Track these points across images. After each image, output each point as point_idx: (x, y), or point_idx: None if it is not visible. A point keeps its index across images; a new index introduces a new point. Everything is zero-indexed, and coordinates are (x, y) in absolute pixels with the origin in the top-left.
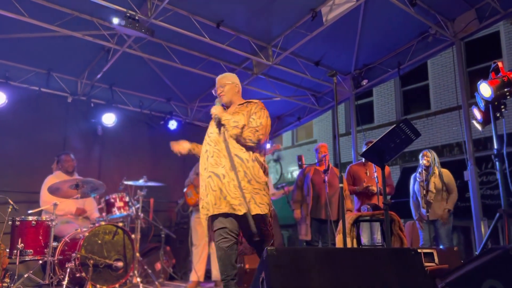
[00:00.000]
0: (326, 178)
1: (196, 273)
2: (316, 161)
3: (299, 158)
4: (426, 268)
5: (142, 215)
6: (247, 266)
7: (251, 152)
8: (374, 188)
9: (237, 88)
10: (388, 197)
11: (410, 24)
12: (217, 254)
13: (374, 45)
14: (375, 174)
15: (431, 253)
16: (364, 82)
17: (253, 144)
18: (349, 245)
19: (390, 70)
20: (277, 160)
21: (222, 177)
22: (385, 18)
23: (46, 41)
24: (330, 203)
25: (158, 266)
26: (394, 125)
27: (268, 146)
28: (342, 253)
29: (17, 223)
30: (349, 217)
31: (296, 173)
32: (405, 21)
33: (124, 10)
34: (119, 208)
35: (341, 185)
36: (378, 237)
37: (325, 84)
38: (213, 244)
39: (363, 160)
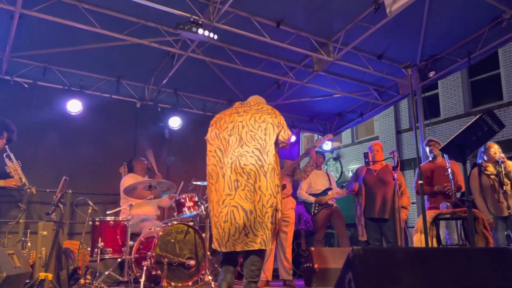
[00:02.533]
0: (396, 175)
1: (264, 273)
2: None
3: (366, 155)
4: None
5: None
6: (316, 266)
7: None
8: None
9: None
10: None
11: (481, 9)
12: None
13: (441, 35)
14: (449, 171)
15: None
16: (431, 74)
17: None
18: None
19: (459, 60)
20: (336, 158)
21: None
22: (453, 5)
23: (115, 50)
24: (385, 201)
25: None
26: (476, 117)
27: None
28: (433, 253)
29: (96, 223)
30: (428, 215)
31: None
32: (476, 6)
33: (188, 15)
34: (189, 208)
35: (420, 182)
36: (455, 236)
37: (388, 78)
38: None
39: (430, 158)
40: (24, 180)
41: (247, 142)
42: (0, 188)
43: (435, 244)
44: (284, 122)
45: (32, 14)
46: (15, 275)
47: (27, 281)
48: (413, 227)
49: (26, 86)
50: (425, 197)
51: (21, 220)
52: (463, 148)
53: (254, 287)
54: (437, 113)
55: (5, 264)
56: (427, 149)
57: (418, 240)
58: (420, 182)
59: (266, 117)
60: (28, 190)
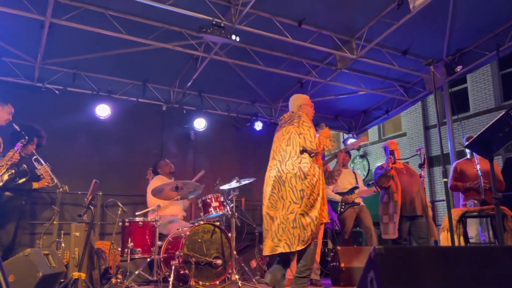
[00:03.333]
0: (423, 173)
1: (292, 271)
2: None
3: (391, 153)
4: None
5: (236, 214)
6: (342, 265)
7: None
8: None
9: None
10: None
11: (510, 0)
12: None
13: (468, 28)
14: (478, 167)
15: None
16: (458, 68)
17: None
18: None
19: (488, 53)
20: (363, 156)
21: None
22: None
23: (141, 55)
24: (418, 197)
25: (253, 263)
26: (503, 112)
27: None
28: (458, 252)
29: (126, 224)
30: (455, 213)
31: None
32: None
33: (210, 18)
34: (215, 208)
35: (445, 180)
36: (486, 234)
37: (414, 74)
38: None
39: (468, 156)
40: (55, 180)
41: (275, 156)
42: (34, 190)
43: (462, 243)
44: (308, 130)
45: (61, 23)
46: (50, 274)
47: (62, 280)
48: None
49: (57, 92)
50: (460, 194)
51: (54, 222)
52: (489, 144)
53: (298, 280)
54: (466, 107)
55: (41, 264)
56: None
57: (444, 238)
58: (444, 180)
59: (291, 128)
60: (62, 189)
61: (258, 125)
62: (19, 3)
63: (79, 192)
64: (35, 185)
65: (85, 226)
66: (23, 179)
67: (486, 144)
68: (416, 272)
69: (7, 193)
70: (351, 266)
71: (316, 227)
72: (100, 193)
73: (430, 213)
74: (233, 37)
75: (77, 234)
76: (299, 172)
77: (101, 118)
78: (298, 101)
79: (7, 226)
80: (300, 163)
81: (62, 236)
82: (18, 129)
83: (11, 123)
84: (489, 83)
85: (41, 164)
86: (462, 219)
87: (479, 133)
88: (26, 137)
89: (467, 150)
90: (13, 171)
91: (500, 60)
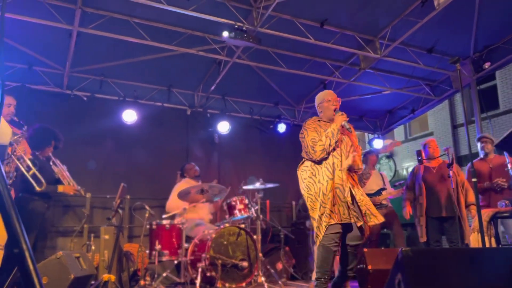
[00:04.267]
0: (451, 173)
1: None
2: (423, 157)
3: (419, 153)
4: None
5: (261, 216)
6: (370, 267)
7: None
8: (505, 183)
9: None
10: None
11: None
12: (323, 255)
13: (495, 24)
14: (509, 166)
15: None
16: (487, 65)
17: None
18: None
19: None
20: (390, 157)
21: (343, 191)
22: None
23: (165, 61)
24: (450, 198)
25: (279, 266)
26: None
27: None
28: (486, 254)
29: (153, 226)
30: (485, 214)
31: (411, 169)
32: None
33: (232, 22)
34: (240, 210)
35: (474, 179)
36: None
37: (440, 72)
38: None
39: (482, 155)
40: (72, 182)
41: None
42: (59, 194)
43: (493, 244)
44: (305, 131)
45: (88, 31)
46: (81, 276)
47: (93, 282)
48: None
49: (85, 99)
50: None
51: (85, 225)
52: None
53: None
54: (495, 105)
55: (73, 266)
56: (479, 145)
57: (475, 240)
58: (473, 180)
59: None
60: (80, 192)
61: (282, 127)
62: (48, 14)
63: (108, 196)
64: (60, 188)
65: (114, 229)
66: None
67: None
68: (444, 274)
69: (30, 196)
70: (379, 268)
71: (321, 228)
72: (128, 197)
73: (464, 214)
74: (256, 40)
75: (107, 237)
76: (300, 175)
77: (127, 123)
78: (317, 101)
79: (29, 230)
80: (300, 167)
81: (92, 239)
82: (17, 120)
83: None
84: None
85: (57, 167)
86: (493, 220)
87: (510, 131)
88: (25, 126)
89: (480, 150)
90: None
91: None
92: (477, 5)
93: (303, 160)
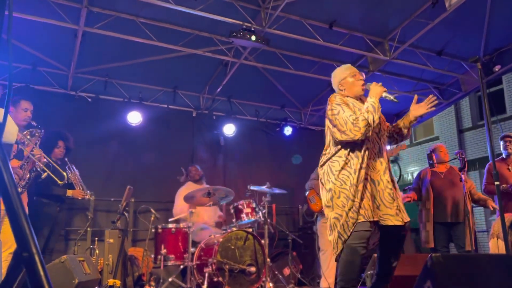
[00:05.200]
0: (463, 177)
1: (327, 280)
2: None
3: (430, 157)
4: None
5: (269, 220)
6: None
7: None
8: None
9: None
10: None
11: None
12: (350, 258)
13: (507, 26)
14: None
15: None
16: (497, 68)
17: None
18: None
19: None
20: (394, 161)
21: (377, 183)
22: None
23: (171, 62)
24: (457, 203)
25: (286, 271)
26: None
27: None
28: None
29: (159, 230)
30: (505, 218)
31: (417, 173)
32: None
33: (240, 23)
34: (247, 214)
35: (497, 182)
36: None
37: (449, 75)
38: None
39: (504, 155)
40: (83, 187)
41: None
42: (68, 197)
43: None
44: (338, 106)
45: (93, 31)
46: (86, 281)
47: (96, 287)
48: (483, 231)
49: (90, 100)
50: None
51: (88, 229)
52: None
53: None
54: (502, 109)
55: (77, 271)
56: (501, 145)
57: (494, 246)
58: (496, 183)
59: (326, 121)
60: (87, 197)
61: (288, 130)
62: (53, 13)
63: (112, 199)
64: (69, 192)
65: (118, 233)
66: (58, 182)
67: None
68: (477, 281)
69: (42, 199)
70: (399, 274)
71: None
72: (133, 200)
73: (472, 220)
74: (264, 41)
75: (111, 240)
76: (327, 168)
77: (132, 125)
78: (337, 79)
79: (40, 233)
80: (331, 156)
81: (96, 242)
82: (35, 124)
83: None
84: None
85: (72, 172)
86: None
87: None
88: (42, 130)
89: (503, 150)
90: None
91: None
92: (489, 7)
93: (330, 151)
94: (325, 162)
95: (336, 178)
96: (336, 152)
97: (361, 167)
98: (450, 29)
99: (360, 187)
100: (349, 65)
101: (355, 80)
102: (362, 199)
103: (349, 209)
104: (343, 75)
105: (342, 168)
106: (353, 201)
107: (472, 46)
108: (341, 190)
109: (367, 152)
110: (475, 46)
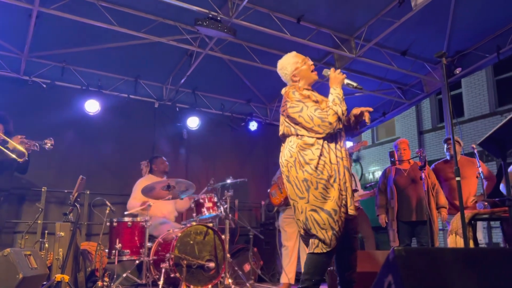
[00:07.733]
0: (423, 175)
1: (287, 275)
2: (396, 159)
3: (391, 155)
4: None
5: (231, 215)
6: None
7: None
8: None
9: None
10: None
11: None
12: (322, 258)
13: (468, 29)
14: (480, 170)
15: None
16: (458, 70)
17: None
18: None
19: (488, 55)
20: (356, 161)
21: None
22: None
23: (133, 50)
24: (421, 201)
25: (246, 267)
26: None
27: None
28: (486, 254)
29: (114, 224)
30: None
31: (378, 173)
32: None
33: (206, 11)
34: (208, 209)
35: (458, 178)
36: (479, 237)
37: (412, 76)
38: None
39: (448, 157)
40: (34, 142)
41: None
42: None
43: (472, 246)
44: (300, 103)
45: (49, 12)
46: (31, 276)
47: (44, 283)
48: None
49: (44, 86)
50: None
51: (39, 221)
52: (503, 143)
53: None
54: (461, 112)
55: (22, 265)
56: (445, 147)
57: (452, 242)
58: (457, 178)
59: (282, 119)
60: (47, 145)
61: (253, 125)
62: None
63: (66, 191)
64: (10, 145)
65: (70, 226)
66: None
67: (499, 143)
68: (440, 275)
69: None
70: (366, 270)
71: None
72: (88, 192)
73: (446, 216)
74: (231, 31)
75: (62, 234)
76: (298, 157)
77: (90, 114)
78: (288, 69)
79: None
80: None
81: (46, 236)
82: None
83: None
84: (484, 88)
85: (10, 138)
86: (472, 222)
87: (493, 131)
88: None
89: (446, 152)
90: None
91: (495, 66)
92: (452, 9)
93: (296, 140)
94: (292, 153)
95: (313, 168)
96: (303, 146)
97: (336, 156)
98: (415, 30)
99: (341, 177)
100: (294, 52)
101: (308, 68)
102: (346, 191)
103: (341, 202)
104: (295, 64)
105: (318, 157)
106: (341, 194)
107: (435, 47)
108: (319, 180)
109: (333, 141)
110: (438, 48)
